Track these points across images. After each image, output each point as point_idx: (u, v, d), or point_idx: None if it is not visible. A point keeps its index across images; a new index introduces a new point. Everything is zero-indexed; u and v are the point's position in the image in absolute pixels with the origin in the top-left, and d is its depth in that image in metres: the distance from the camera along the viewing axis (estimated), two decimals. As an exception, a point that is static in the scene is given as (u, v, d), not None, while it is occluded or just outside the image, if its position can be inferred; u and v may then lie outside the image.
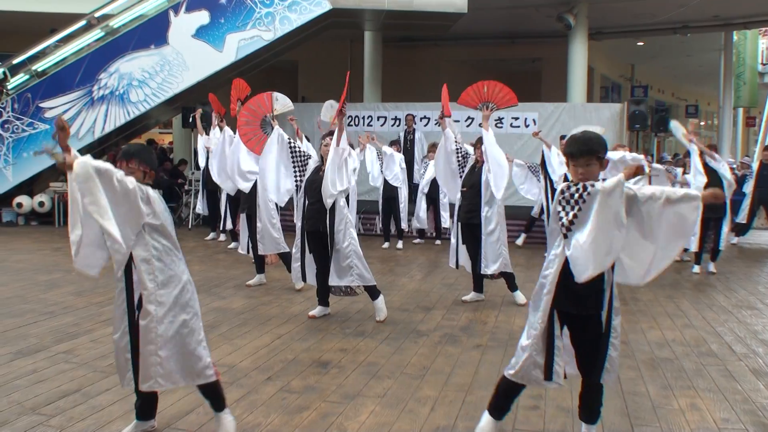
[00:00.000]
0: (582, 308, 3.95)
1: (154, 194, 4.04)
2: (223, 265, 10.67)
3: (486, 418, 4.26)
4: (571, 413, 4.59)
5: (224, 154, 9.60)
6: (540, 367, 4.05)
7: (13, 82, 15.33)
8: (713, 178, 10.15)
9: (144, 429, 4.28)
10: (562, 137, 12.22)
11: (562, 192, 3.85)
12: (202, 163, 12.85)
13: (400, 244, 12.73)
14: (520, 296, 8.18)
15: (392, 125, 16.18)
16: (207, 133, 12.50)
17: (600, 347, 3.97)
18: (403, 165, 12.77)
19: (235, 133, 9.01)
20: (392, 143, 13.06)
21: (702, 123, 39.64)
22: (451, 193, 8.60)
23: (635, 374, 5.71)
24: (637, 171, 3.86)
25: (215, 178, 10.56)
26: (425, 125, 15.97)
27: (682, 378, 5.65)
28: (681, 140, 10.61)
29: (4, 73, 15.44)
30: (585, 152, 3.84)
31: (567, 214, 3.81)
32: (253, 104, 8.22)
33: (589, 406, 4.07)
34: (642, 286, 9.34)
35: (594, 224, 3.72)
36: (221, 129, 10.28)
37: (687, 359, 6.18)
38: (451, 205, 9.53)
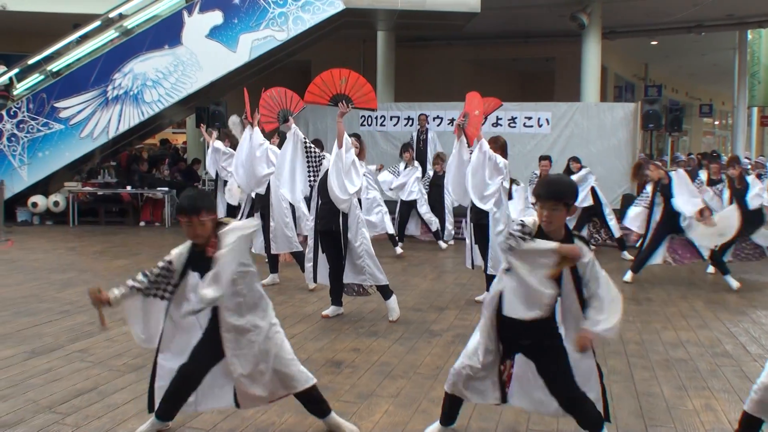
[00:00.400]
0: (526, 337, 3.99)
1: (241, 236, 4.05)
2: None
3: (435, 424, 4.39)
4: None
5: (242, 151, 9.55)
6: (472, 383, 4.16)
7: (29, 81, 15.41)
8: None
9: (160, 428, 4.28)
10: (542, 158, 12.12)
11: (516, 229, 3.82)
12: (211, 170, 12.79)
13: (442, 245, 12.64)
14: None
15: (405, 125, 16.16)
16: (223, 136, 12.55)
17: (562, 364, 3.95)
18: (418, 173, 12.59)
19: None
20: (404, 149, 12.89)
21: (716, 122, 39.52)
22: (460, 199, 8.48)
23: (649, 375, 5.70)
24: (573, 257, 3.78)
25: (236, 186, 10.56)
26: (438, 125, 15.94)
27: (696, 378, 5.63)
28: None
29: (11, 79, 15.52)
30: (553, 197, 3.80)
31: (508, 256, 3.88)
32: (281, 92, 8.02)
33: (586, 420, 3.96)
34: (656, 286, 9.32)
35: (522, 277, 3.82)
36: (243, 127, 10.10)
37: (701, 360, 6.16)
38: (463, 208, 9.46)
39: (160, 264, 4.08)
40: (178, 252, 4.09)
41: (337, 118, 7.19)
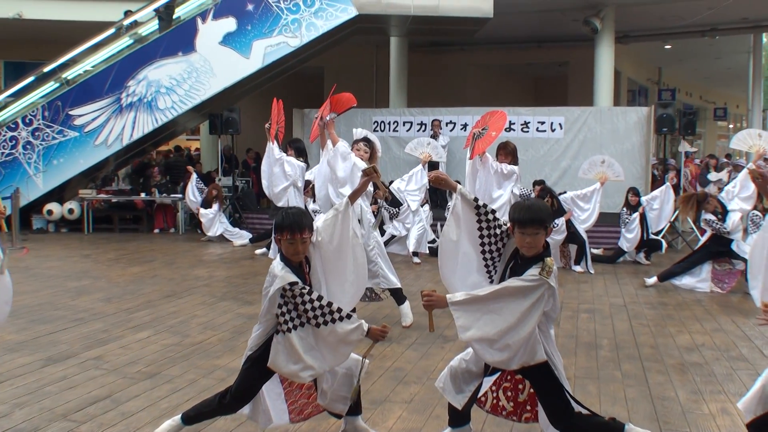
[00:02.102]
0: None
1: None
2: (249, 270, 10.72)
3: (447, 430, 4.31)
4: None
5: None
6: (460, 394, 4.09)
7: (45, 89, 15.47)
8: None
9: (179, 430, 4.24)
10: (536, 183, 11.91)
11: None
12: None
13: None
14: None
15: (418, 130, 16.17)
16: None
17: (551, 396, 3.85)
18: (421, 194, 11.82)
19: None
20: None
21: (731, 125, 39.31)
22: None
23: (664, 379, 5.67)
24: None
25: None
26: (451, 130, 15.96)
27: (712, 382, 5.60)
28: None
29: None
30: (534, 222, 3.70)
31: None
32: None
33: None
34: (670, 290, 9.28)
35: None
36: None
37: (717, 364, 6.13)
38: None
39: (307, 289, 3.88)
40: (287, 272, 3.88)
41: (328, 128, 7.09)
